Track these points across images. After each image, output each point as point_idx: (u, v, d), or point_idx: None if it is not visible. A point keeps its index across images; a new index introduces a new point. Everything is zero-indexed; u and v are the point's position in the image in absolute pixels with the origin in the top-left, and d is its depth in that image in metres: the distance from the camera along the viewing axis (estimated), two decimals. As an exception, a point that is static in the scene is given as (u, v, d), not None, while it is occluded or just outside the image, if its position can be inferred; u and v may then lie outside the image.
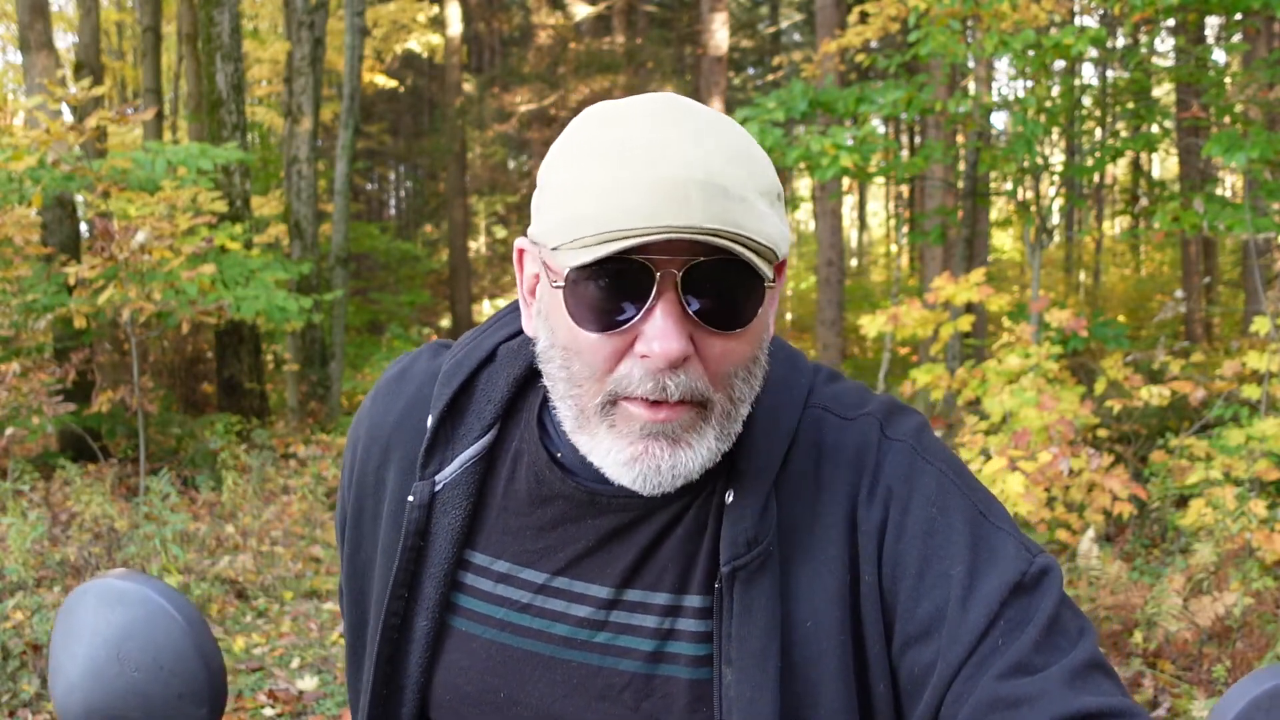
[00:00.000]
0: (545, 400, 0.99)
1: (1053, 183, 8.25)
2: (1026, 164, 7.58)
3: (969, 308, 6.81)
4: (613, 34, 20.68)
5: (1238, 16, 7.29)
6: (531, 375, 1.01)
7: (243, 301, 8.14)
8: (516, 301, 1.04)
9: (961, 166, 9.75)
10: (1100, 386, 5.96)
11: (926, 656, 0.89)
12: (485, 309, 22.71)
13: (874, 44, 12.09)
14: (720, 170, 0.84)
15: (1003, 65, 11.50)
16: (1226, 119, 7.37)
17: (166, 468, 7.84)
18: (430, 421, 1.02)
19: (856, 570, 0.93)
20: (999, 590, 0.88)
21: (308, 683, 4.37)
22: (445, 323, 22.77)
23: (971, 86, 10.43)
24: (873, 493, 0.94)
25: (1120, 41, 9.54)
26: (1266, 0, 6.03)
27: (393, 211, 30.61)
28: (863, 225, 32.04)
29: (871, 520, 0.93)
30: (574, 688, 0.97)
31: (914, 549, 0.92)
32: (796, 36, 24.76)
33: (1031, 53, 6.70)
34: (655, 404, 0.87)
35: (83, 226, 10.49)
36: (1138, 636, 4.17)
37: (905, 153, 18.67)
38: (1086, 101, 9.02)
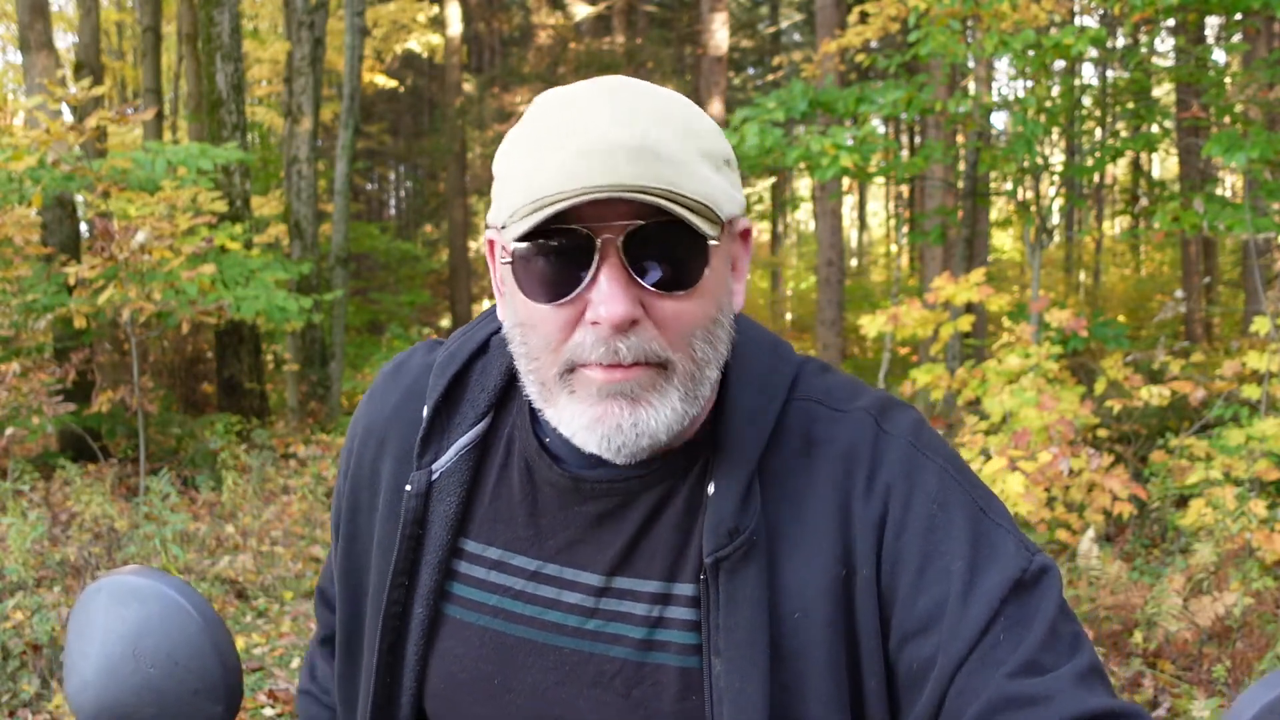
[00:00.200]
0: None
1: (1053, 183, 8.25)
2: (1026, 164, 7.58)
3: (969, 308, 6.81)
4: (613, 34, 20.68)
5: (1238, 16, 7.29)
6: None
7: (243, 301, 8.14)
8: None
9: (961, 166, 9.75)
10: (1100, 386, 5.96)
11: (926, 651, 0.89)
12: (485, 309, 22.66)
13: (874, 44, 12.09)
14: (653, 136, 0.86)
15: (1003, 65, 11.50)
16: (1226, 119, 7.38)
17: (166, 468, 7.84)
18: (426, 412, 1.04)
19: (851, 564, 0.93)
20: (1000, 586, 0.88)
21: (308, 682, 4.37)
22: (445, 323, 22.78)
23: (971, 86, 10.43)
24: (870, 487, 0.94)
25: (1120, 41, 9.54)
26: (1266, 0, 6.04)
27: (393, 211, 30.62)
28: (863, 225, 32.04)
29: (869, 515, 0.93)
30: (566, 674, 0.98)
31: (915, 545, 0.91)
32: (796, 36, 24.76)
33: (1031, 53, 6.70)
34: (610, 367, 0.88)
35: (83, 226, 10.49)
36: (1138, 636, 4.17)
37: (905, 153, 18.67)
38: (1086, 101, 9.02)
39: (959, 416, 7.12)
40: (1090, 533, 4.93)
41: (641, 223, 0.85)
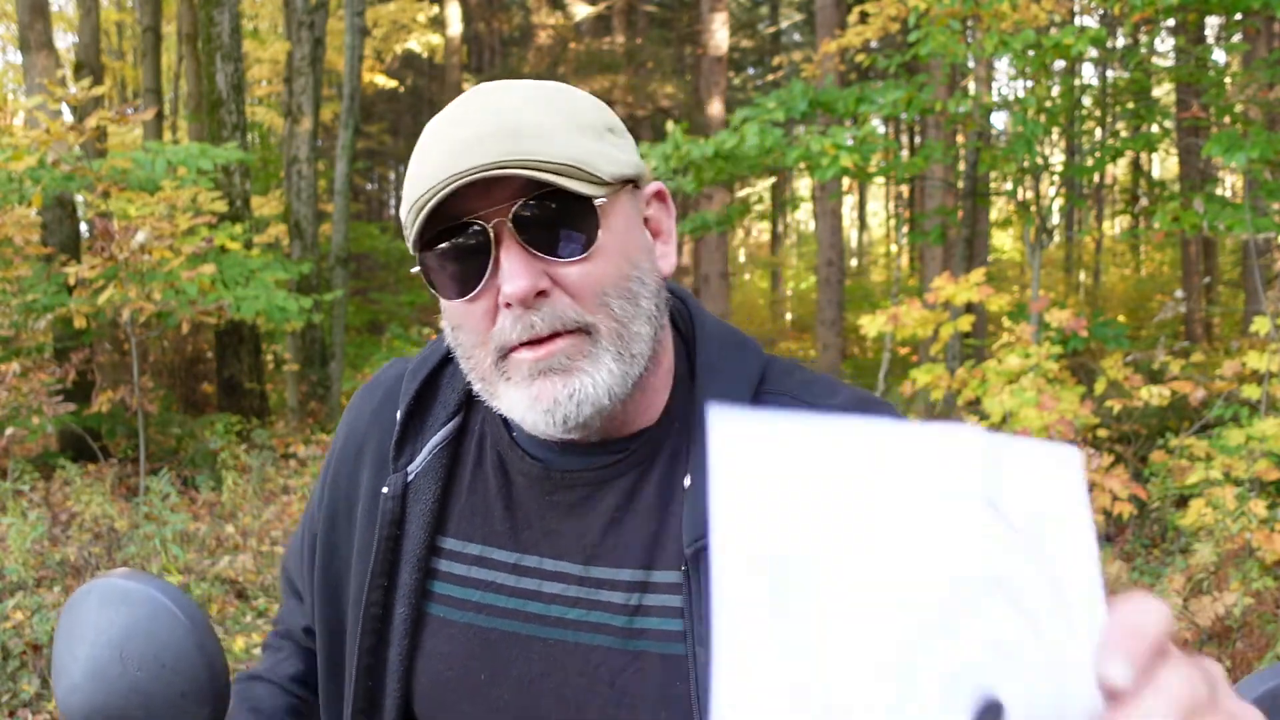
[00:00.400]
0: None
1: (1053, 183, 8.24)
2: (1026, 164, 7.58)
3: (969, 308, 6.81)
4: (613, 34, 20.68)
5: (1238, 16, 7.29)
6: None
7: (243, 301, 8.14)
8: None
9: (961, 166, 9.75)
10: (1100, 386, 5.96)
11: None
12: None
13: (874, 44, 12.09)
14: (514, 119, 0.90)
15: (1003, 65, 11.49)
16: (1226, 119, 7.37)
17: (166, 468, 7.84)
18: (399, 415, 1.07)
19: None
20: None
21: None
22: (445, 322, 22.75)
23: (971, 86, 10.43)
24: None
25: (1120, 41, 9.54)
26: (1266, 0, 6.03)
27: (393, 211, 30.62)
28: (863, 225, 32.04)
29: None
30: (552, 665, 0.99)
31: None
32: (796, 36, 24.76)
33: (1031, 53, 6.70)
34: (534, 344, 0.92)
35: (83, 226, 10.49)
36: (1138, 636, 4.16)
37: (905, 153, 18.67)
38: (1086, 101, 9.01)
39: (959, 416, 7.12)
40: (1090, 533, 4.92)
41: (524, 199, 0.89)
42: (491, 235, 0.90)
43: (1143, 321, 15.20)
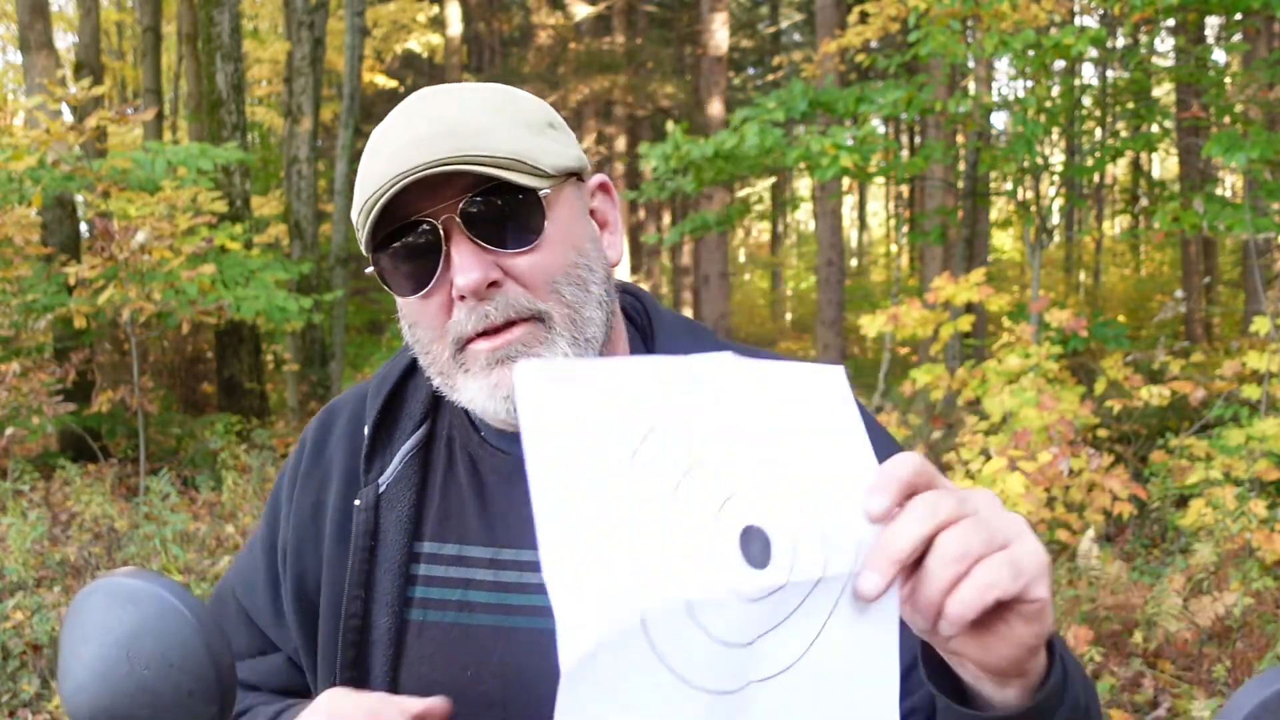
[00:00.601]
0: None
1: (1053, 183, 8.24)
2: (1026, 164, 7.58)
3: (969, 308, 6.81)
4: (613, 34, 20.68)
5: (1238, 16, 7.29)
6: None
7: (243, 301, 8.14)
8: None
9: (961, 166, 9.76)
10: (1100, 386, 5.96)
11: None
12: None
13: (874, 44, 12.09)
14: (455, 119, 0.93)
15: (1003, 65, 11.50)
16: (1226, 119, 7.37)
17: (166, 468, 7.84)
18: (366, 430, 1.08)
19: None
20: None
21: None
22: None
23: (971, 86, 10.43)
24: None
25: (1120, 41, 9.54)
26: (1266, 0, 6.04)
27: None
28: (863, 225, 32.04)
29: None
30: (536, 652, 1.00)
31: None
32: (796, 36, 24.76)
33: (1031, 53, 6.70)
34: (490, 334, 0.95)
35: (83, 226, 10.49)
36: (1138, 636, 4.17)
37: (905, 153, 18.67)
38: (1086, 101, 9.01)
39: (959, 416, 7.12)
40: (1090, 533, 4.93)
41: (469, 195, 0.92)
42: (441, 232, 0.93)
43: (1143, 321, 15.20)
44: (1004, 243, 22.65)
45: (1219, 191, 14.62)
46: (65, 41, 19.76)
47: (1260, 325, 5.48)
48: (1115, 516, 5.28)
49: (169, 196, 7.82)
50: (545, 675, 0.98)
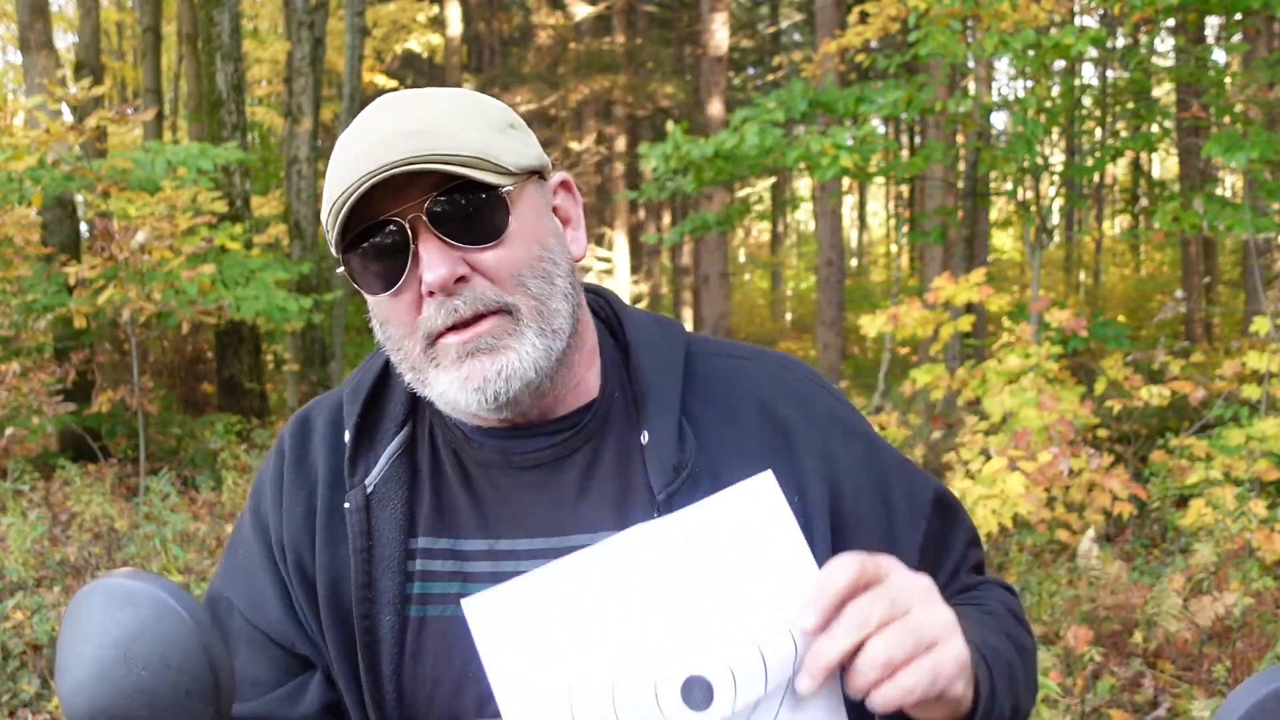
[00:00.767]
0: None
1: (1053, 183, 8.24)
2: (1026, 164, 7.58)
3: (969, 308, 6.80)
4: (613, 34, 20.67)
5: (1238, 16, 7.29)
6: None
7: (243, 301, 8.14)
8: None
9: (961, 166, 9.75)
10: (1100, 386, 5.96)
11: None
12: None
13: (874, 44, 12.09)
14: (419, 118, 0.96)
15: (1003, 65, 11.50)
16: (1226, 119, 7.37)
17: (166, 468, 7.84)
18: (348, 435, 1.09)
19: (804, 488, 1.05)
20: (930, 502, 1.12)
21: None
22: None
23: (971, 86, 10.43)
24: (810, 419, 1.08)
25: (1120, 41, 9.54)
26: (1266, 0, 6.03)
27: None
28: (863, 225, 32.04)
29: (814, 444, 1.07)
30: None
31: (861, 474, 1.08)
32: (796, 36, 24.76)
33: (1031, 53, 6.69)
34: (460, 327, 0.97)
35: (83, 226, 10.49)
36: (1138, 636, 4.17)
37: (905, 153, 18.66)
38: (1086, 101, 9.01)
39: (959, 416, 7.12)
40: (1090, 533, 4.93)
41: (435, 194, 0.95)
42: (409, 230, 0.95)
43: (1143, 321, 15.20)
44: (1004, 243, 22.65)
45: (1219, 191, 14.62)
46: (65, 41, 19.76)
47: (1260, 325, 5.48)
48: (1115, 516, 5.28)
49: (169, 196, 7.81)
50: None
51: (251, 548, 1.12)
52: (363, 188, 0.93)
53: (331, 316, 12.16)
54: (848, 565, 0.81)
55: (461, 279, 0.96)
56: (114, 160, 7.98)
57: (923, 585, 0.85)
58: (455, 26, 19.93)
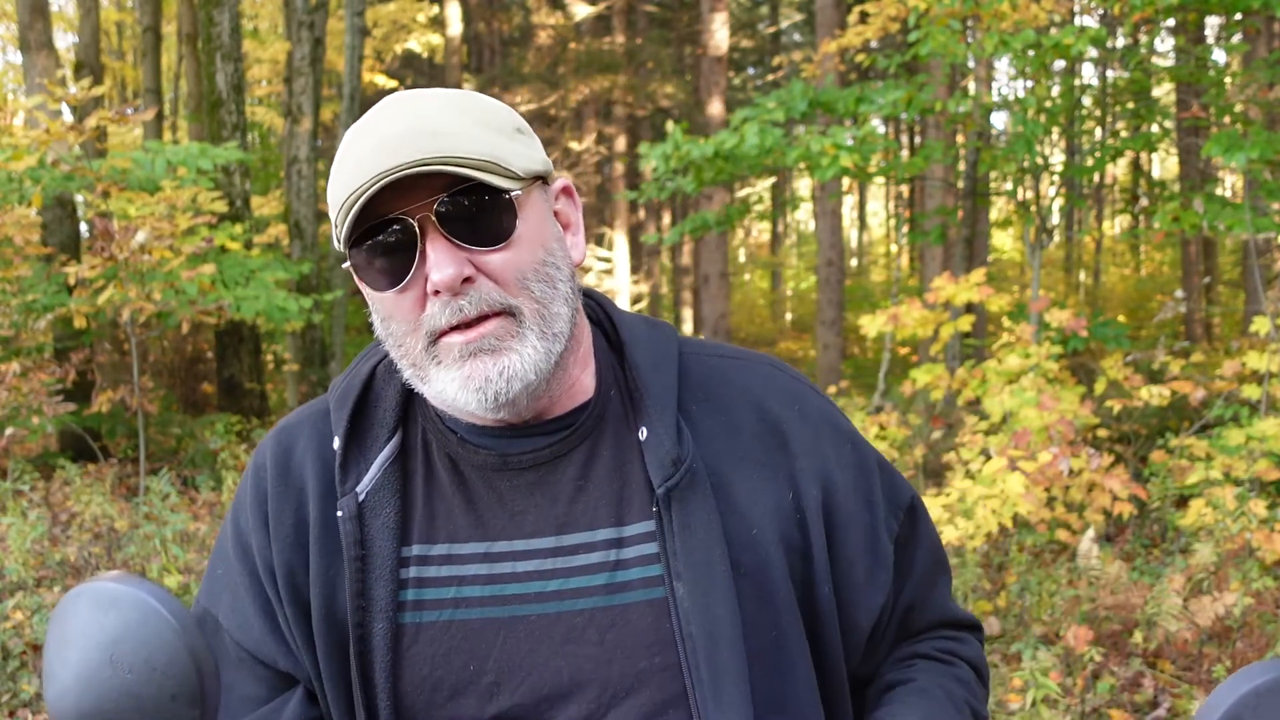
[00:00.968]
0: None
1: (1053, 183, 8.24)
2: (1026, 164, 7.58)
3: (969, 308, 6.80)
4: (613, 34, 20.66)
5: (1238, 16, 7.28)
6: None
7: (243, 301, 8.13)
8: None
9: (961, 166, 9.75)
10: (1100, 386, 5.96)
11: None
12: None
13: (874, 44, 12.09)
14: (430, 120, 0.97)
15: (1003, 65, 11.49)
16: (1226, 119, 7.37)
17: (166, 468, 7.84)
18: (337, 444, 1.08)
19: (797, 485, 1.07)
20: (904, 509, 1.17)
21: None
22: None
23: (971, 86, 10.43)
24: (804, 418, 1.11)
25: (1120, 41, 9.53)
26: (1266, 0, 6.03)
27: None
28: (863, 225, 32.04)
29: (806, 442, 1.09)
30: (537, 640, 1.02)
31: (850, 475, 1.11)
32: (796, 36, 24.76)
33: (1031, 53, 6.69)
34: (463, 327, 0.98)
35: (83, 226, 10.49)
36: (1138, 636, 4.17)
37: (905, 153, 18.66)
38: (1086, 101, 9.01)
39: (959, 416, 7.12)
40: (1090, 533, 4.93)
41: (445, 195, 0.96)
42: (417, 229, 0.96)
43: (1143, 321, 15.20)
44: (1004, 243, 22.64)
45: (1219, 191, 14.62)
46: (65, 41, 19.76)
47: (1260, 325, 5.48)
48: (1115, 516, 5.28)
49: (169, 196, 7.81)
50: (545, 658, 1.01)
51: (232, 565, 1.11)
52: (376, 186, 0.94)
53: (331, 316, 12.16)
54: None
55: (467, 280, 0.97)
56: (114, 160, 7.98)
57: None
58: (455, 26, 19.93)
